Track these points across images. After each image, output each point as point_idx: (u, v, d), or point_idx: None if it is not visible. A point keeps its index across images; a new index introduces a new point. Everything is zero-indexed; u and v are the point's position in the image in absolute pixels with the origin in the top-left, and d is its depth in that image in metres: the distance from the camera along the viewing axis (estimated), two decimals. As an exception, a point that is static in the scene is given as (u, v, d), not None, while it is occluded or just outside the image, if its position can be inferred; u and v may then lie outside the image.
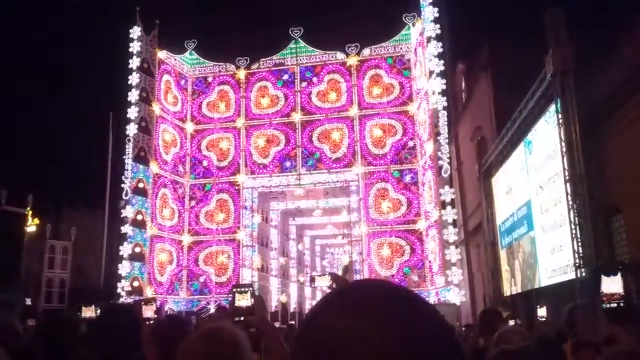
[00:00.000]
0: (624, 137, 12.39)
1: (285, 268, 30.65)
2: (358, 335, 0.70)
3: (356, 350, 0.69)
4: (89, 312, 13.69)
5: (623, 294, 9.43)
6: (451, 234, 20.22)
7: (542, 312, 13.23)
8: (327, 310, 0.77)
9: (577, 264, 12.31)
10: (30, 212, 30.82)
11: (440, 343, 0.74)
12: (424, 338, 0.72)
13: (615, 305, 9.33)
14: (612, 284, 9.50)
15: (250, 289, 3.21)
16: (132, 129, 22.76)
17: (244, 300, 2.97)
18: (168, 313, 21.36)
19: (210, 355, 1.90)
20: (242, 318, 2.70)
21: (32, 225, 31.11)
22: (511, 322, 7.16)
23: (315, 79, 25.35)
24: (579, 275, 12.21)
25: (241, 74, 26.05)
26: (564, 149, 13.37)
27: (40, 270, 34.71)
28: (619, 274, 9.65)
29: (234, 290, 3.14)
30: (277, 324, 18.30)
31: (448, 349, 0.74)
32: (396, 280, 20.83)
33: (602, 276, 9.70)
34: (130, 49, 23.64)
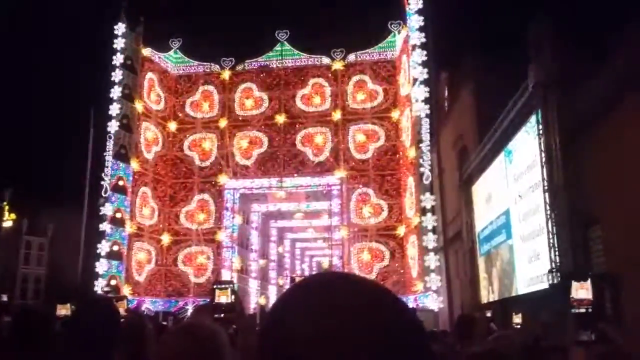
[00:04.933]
0: (604, 148, 12.58)
1: (264, 270, 30.55)
2: (316, 333, 0.70)
3: (316, 348, 0.70)
4: (63, 310, 13.49)
5: (592, 299, 9.63)
6: (431, 241, 20.32)
7: (517, 319, 13.38)
8: (283, 311, 0.77)
9: (552, 270, 12.47)
10: (6, 206, 30.33)
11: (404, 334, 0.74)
12: (384, 330, 0.72)
13: (584, 310, 9.53)
14: (581, 290, 9.69)
15: (231, 285, 3.21)
16: (113, 126, 22.55)
17: (224, 297, 2.95)
18: (145, 313, 21.18)
19: (189, 351, 1.87)
20: (222, 315, 2.69)
21: (8, 220, 30.61)
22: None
23: (300, 83, 25.36)
24: (551, 282, 12.38)
25: (226, 74, 25.94)
26: (543, 159, 13.55)
27: (15, 266, 34.15)
28: (589, 280, 9.84)
29: (215, 287, 3.13)
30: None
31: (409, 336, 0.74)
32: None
33: (573, 282, 9.87)
34: (115, 46, 23.43)
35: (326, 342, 0.69)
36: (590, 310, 9.50)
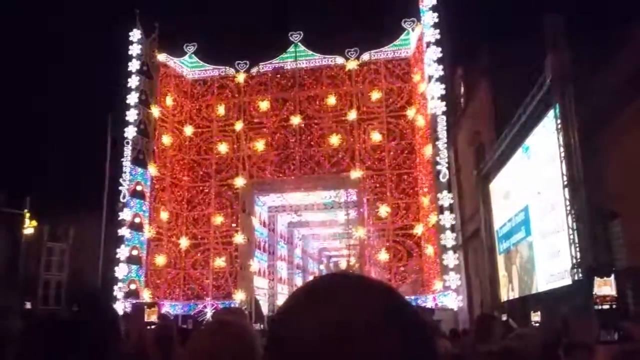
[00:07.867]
0: (623, 142, 12.39)
1: (282, 272, 30.57)
2: (320, 328, 0.70)
3: (320, 342, 0.69)
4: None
5: (616, 295, 9.45)
6: (449, 239, 20.18)
7: (536, 317, 13.21)
8: (292, 309, 0.77)
9: (574, 266, 12.28)
10: (27, 214, 30.65)
11: (408, 329, 0.73)
12: (386, 324, 0.71)
13: (607, 306, 9.36)
14: (605, 286, 9.52)
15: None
16: (130, 132, 22.74)
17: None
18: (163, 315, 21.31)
19: (220, 349, 1.86)
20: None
21: (29, 227, 30.91)
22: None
23: (314, 83, 25.35)
24: (573, 278, 12.19)
25: (240, 77, 26.04)
26: (562, 155, 13.36)
27: (37, 272, 34.53)
28: (612, 276, 9.67)
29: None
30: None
31: (414, 334, 0.74)
32: (393, 284, 20.77)
33: (596, 278, 9.72)
34: (130, 52, 23.63)
35: (330, 344, 0.69)
36: (614, 306, 9.33)
